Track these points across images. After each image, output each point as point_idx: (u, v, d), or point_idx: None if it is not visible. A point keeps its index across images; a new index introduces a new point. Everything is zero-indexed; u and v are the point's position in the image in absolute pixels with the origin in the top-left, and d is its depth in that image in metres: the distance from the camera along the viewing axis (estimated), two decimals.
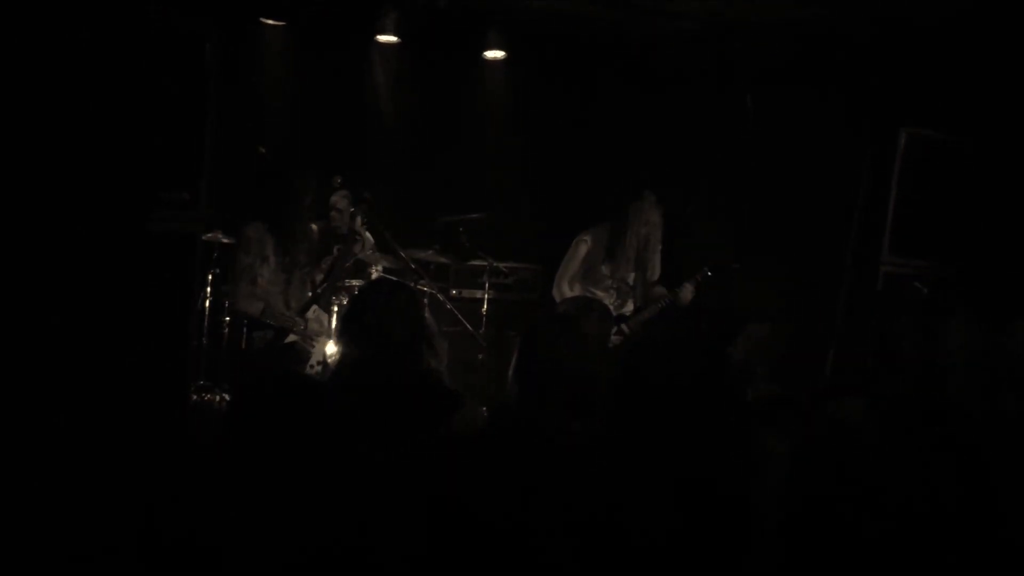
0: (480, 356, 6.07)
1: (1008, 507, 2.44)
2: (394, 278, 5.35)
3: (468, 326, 6.05)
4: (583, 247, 5.14)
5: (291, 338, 4.95)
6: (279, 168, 5.02)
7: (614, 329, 5.07)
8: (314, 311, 5.13)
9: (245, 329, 5.05)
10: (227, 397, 5.45)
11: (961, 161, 5.10)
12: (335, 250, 5.34)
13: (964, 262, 4.90)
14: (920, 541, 2.26)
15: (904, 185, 5.13)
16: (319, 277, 5.22)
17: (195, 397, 5.30)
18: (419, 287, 5.67)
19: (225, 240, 5.60)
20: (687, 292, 4.98)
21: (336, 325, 5.09)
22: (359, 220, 5.36)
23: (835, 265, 5.33)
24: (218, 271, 5.68)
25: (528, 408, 2.57)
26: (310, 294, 5.07)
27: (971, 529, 2.30)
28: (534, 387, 2.58)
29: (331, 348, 5.45)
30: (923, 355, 3.62)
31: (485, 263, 6.24)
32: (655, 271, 5.25)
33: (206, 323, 5.59)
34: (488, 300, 6.23)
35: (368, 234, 5.81)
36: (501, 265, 6.32)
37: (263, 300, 4.78)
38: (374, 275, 5.66)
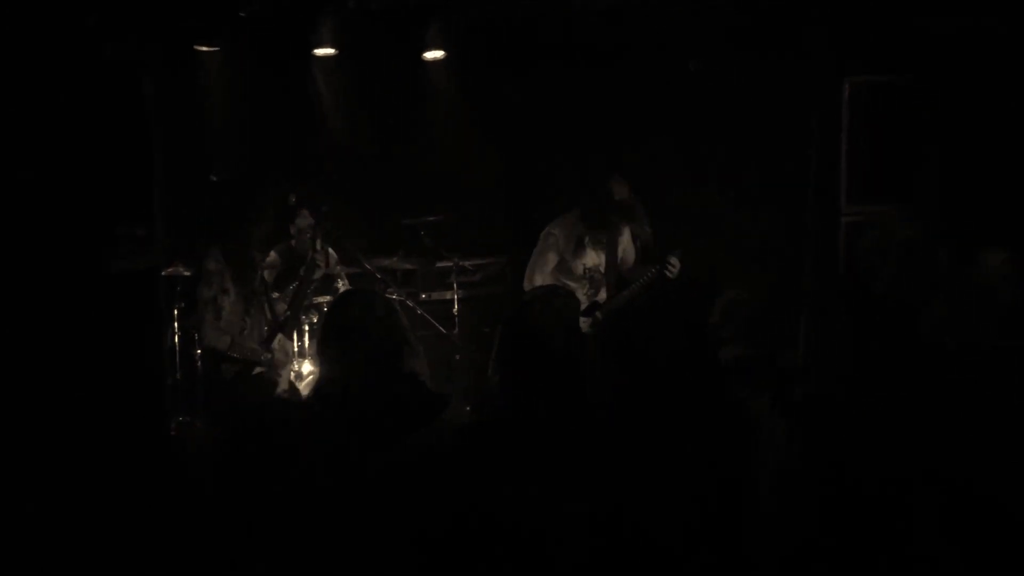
0: (457, 356, 6.06)
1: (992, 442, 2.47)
2: (364, 289, 5.31)
3: (441, 328, 6.03)
4: (552, 240, 5.08)
5: (258, 369, 4.92)
6: (230, 196, 4.97)
7: (589, 320, 5.03)
8: (279, 341, 5.09)
9: (204, 363, 5.00)
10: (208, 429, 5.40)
11: (907, 101, 5.15)
12: (301, 272, 5.30)
13: (925, 199, 4.95)
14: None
15: (854, 133, 5.17)
16: (282, 307, 5.18)
17: (175, 433, 5.25)
18: (388, 295, 5.65)
19: (187, 272, 5.54)
20: (675, 263, 4.83)
21: (313, 342, 5.05)
22: (318, 242, 5.31)
23: (797, 221, 5.36)
24: (183, 305, 5.63)
25: (506, 396, 2.58)
26: (269, 325, 5.02)
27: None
28: (508, 375, 2.60)
29: (306, 367, 5.41)
30: (893, 293, 3.66)
31: (451, 263, 6.23)
32: (632, 252, 5.20)
33: (178, 357, 5.53)
34: (459, 299, 6.22)
35: (332, 251, 5.78)
36: (467, 263, 6.31)
37: (229, 333, 4.73)
38: (341, 288, 5.63)
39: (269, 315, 4.98)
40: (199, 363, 5.68)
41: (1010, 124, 4.76)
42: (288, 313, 5.10)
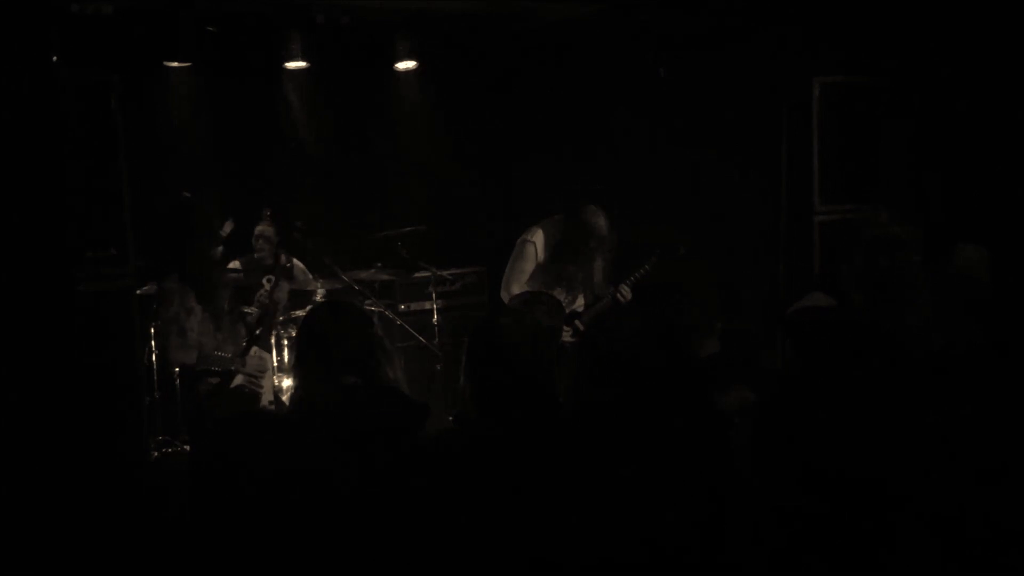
0: (438, 366, 6.05)
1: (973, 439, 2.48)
2: (338, 299, 5.30)
3: (421, 339, 6.02)
4: (529, 247, 5.08)
5: (237, 381, 4.89)
6: (186, 218, 4.95)
7: (570, 332, 5.03)
8: (255, 351, 5.07)
9: (180, 380, 5.00)
10: (187, 448, 5.37)
11: (877, 101, 5.18)
12: (264, 282, 5.28)
13: (897, 197, 4.98)
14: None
15: (825, 134, 5.19)
16: (251, 318, 5.15)
17: (156, 453, 5.21)
18: (367, 307, 5.63)
19: None
20: (625, 291, 5.04)
21: (291, 356, 5.03)
22: (282, 256, 5.32)
23: (770, 221, 5.37)
24: (160, 323, 5.59)
25: (482, 407, 2.56)
26: (246, 339, 5.00)
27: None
28: (485, 386, 2.57)
29: (286, 383, 5.39)
30: (872, 294, 3.67)
31: (429, 273, 6.22)
32: (601, 271, 5.22)
33: (156, 376, 5.49)
34: (438, 310, 6.21)
35: (297, 261, 5.77)
36: (445, 273, 6.31)
37: (196, 348, 4.72)
38: (319, 300, 5.61)
39: (243, 330, 4.96)
40: (177, 381, 5.65)
41: (983, 122, 4.80)
42: (260, 328, 5.07)
